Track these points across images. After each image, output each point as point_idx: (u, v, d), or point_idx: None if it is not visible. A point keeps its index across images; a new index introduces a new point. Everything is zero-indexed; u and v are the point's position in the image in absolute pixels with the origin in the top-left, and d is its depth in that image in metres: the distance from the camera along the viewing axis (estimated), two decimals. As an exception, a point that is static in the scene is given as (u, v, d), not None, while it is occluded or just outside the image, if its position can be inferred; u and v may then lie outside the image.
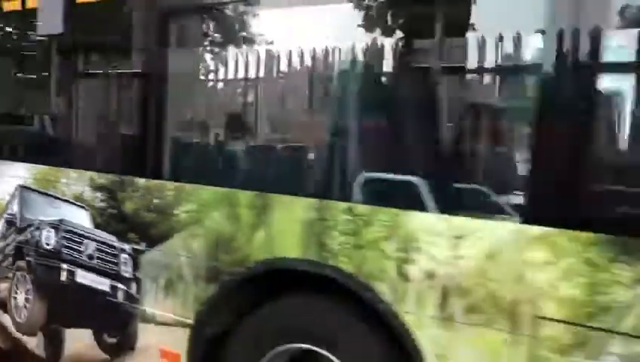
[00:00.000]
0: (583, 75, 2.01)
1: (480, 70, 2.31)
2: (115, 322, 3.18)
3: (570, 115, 1.97)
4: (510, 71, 2.28)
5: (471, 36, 2.27)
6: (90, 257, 3.28)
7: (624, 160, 2.02)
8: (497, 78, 2.35)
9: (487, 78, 2.39)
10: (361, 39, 2.44)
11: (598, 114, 2.01)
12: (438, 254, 2.19)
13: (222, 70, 2.95)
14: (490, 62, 2.25)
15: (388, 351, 2.34)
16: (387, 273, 2.29)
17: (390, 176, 2.41)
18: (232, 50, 2.91)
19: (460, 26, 2.29)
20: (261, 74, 2.79)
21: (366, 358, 2.41)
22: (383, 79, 2.60)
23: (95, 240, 3.26)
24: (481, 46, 2.22)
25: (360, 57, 2.48)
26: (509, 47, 2.18)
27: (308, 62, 2.64)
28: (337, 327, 2.47)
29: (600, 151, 2.03)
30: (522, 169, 2.16)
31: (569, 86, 2.00)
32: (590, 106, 1.97)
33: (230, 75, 2.89)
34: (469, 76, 2.39)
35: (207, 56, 3.10)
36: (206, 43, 3.08)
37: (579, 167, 1.99)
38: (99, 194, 3.25)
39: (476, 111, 2.27)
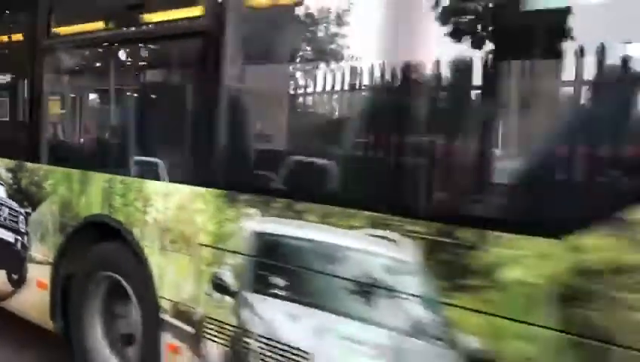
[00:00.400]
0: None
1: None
2: (17, 264, 4.53)
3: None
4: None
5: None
6: (5, 219, 4.66)
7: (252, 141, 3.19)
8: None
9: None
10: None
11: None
12: (158, 206, 3.41)
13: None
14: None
15: (145, 274, 3.56)
16: (138, 221, 3.53)
17: (143, 158, 3.64)
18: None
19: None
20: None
21: (134, 279, 3.64)
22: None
23: (7, 207, 4.64)
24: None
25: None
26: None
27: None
28: (122, 259, 3.72)
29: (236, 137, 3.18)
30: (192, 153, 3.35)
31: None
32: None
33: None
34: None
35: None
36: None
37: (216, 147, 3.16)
38: (9, 174, 4.62)
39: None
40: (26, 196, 4.44)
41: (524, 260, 2.09)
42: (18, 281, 4.54)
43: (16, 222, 4.53)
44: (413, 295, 2.38)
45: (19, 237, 4.52)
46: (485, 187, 2.37)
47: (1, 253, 4.68)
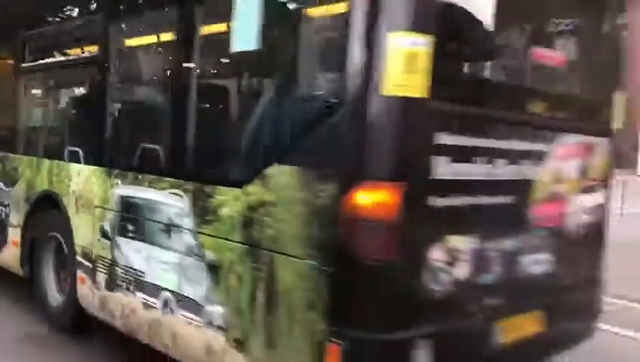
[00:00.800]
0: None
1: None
2: (2, 229, 6.10)
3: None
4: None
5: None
6: (-4, 196, 6.25)
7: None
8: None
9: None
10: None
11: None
12: (75, 181, 4.88)
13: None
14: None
15: (70, 230, 5.03)
16: (66, 192, 5.01)
17: (70, 148, 5.13)
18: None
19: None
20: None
21: (65, 235, 5.11)
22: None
23: (-3, 187, 6.24)
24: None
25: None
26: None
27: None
28: (59, 221, 5.20)
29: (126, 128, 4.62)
30: (93, 143, 4.81)
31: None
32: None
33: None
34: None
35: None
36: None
37: (102, 140, 4.62)
38: (-1, 163, 6.23)
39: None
40: (9, 177, 6.01)
41: (228, 202, 3.44)
42: (2, 241, 6.11)
43: (3, 198, 6.11)
44: (187, 229, 3.75)
45: (3, 209, 6.10)
46: (188, 160, 3.83)
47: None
